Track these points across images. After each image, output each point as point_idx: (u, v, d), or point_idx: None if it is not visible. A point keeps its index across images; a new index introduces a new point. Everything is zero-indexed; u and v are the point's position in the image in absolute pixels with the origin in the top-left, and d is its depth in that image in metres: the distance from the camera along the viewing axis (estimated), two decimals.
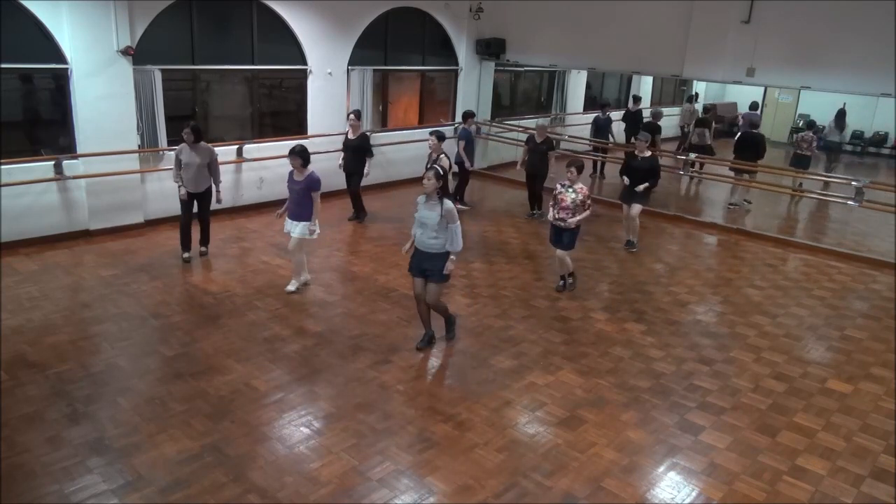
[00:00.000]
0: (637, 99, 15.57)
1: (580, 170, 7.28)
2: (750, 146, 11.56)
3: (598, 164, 14.22)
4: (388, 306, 6.91)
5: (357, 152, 9.54)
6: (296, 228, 6.90)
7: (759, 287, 8.15)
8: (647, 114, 15.16)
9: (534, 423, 5.03)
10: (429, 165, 8.36)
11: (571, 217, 7.19)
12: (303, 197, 6.84)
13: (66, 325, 6.16)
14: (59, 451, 4.39)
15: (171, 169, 8.05)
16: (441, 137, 8.93)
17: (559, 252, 7.42)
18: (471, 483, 4.30)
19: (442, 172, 5.61)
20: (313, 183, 6.82)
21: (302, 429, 4.79)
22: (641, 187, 8.79)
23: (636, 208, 9.01)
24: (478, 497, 4.18)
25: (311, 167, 6.91)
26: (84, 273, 7.43)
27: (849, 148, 18.61)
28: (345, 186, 9.87)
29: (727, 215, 11.61)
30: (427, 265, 5.72)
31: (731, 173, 11.80)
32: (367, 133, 9.78)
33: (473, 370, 5.77)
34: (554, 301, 7.34)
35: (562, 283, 7.64)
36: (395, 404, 5.18)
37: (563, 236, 7.32)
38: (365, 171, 9.66)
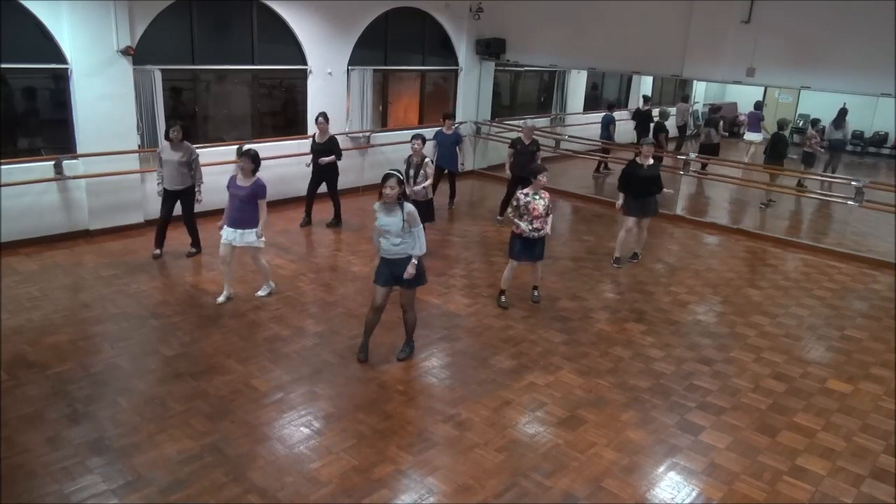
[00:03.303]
0: (647, 99, 15.63)
1: (546, 176, 6.95)
2: (779, 147, 11.61)
3: (603, 162, 14.42)
4: (388, 306, 6.88)
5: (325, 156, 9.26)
6: (240, 236, 6.59)
7: (759, 287, 8.15)
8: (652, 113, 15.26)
9: (534, 423, 5.02)
10: (412, 170, 8.25)
11: (546, 225, 6.87)
12: (247, 203, 6.54)
13: (66, 325, 6.16)
14: (59, 451, 4.39)
15: None
16: (425, 140, 8.60)
17: (521, 263, 7.10)
18: (471, 483, 4.30)
19: (403, 178, 5.45)
20: (260, 189, 6.56)
21: (302, 429, 4.80)
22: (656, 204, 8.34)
23: (647, 221, 8.69)
24: (478, 497, 4.18)
25: (259, 173, 6.64)
26: (84, 273, 7.43)
27: (849, 148, 18.62)
28: (338, 189, 9.60)
29: (759, 215, 11.74)
30: (398, 272, 5.54)
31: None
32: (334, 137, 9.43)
33: (473, 370, 5.77)
34: (554, 301, 7.34)
35: (536, 294, 7.33)
36: (395, 404, 5.18)
37: (535, 247, 6.97)
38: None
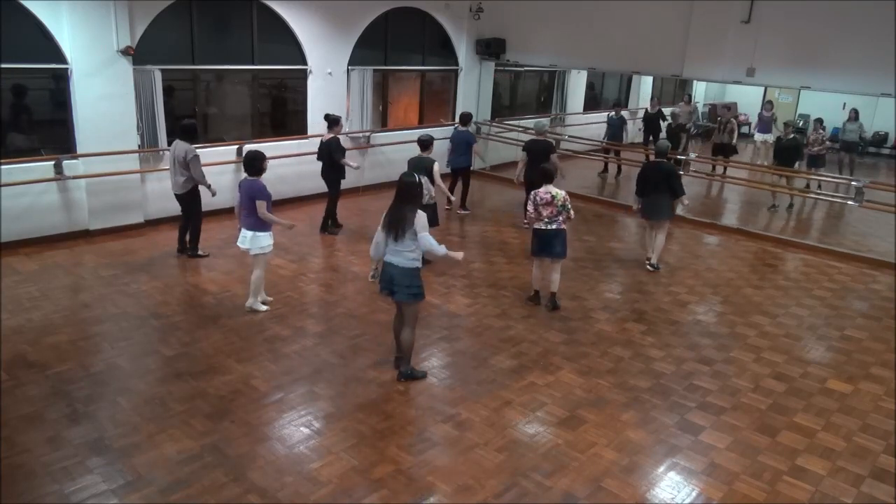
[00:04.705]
0: (654, 100, 15.60)
1: None
2: (791, 151, 11.65)
3: (615, 165, 14.27)
4: (388, 306, 6.87)
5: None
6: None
7: (759, 287, 8.15)
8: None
9: (534, 423, 5.03)
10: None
11: None
12: None
13: (66, 325, 6.16)
14: (59, 451, 4.39)
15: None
16: None
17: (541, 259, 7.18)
18: (471, 483, 4.30)
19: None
20: None
21: (302, 429, 4.80)
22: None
23: None
24: (478, 497, 4.18)
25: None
26: (84, 273, 7.43)
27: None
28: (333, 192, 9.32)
29: (765, 216, 11.76)
30: None
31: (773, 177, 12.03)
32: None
33: (473, 370, 5.77)
34: None
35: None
36: (395, 404, 5.19)
37: None
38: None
